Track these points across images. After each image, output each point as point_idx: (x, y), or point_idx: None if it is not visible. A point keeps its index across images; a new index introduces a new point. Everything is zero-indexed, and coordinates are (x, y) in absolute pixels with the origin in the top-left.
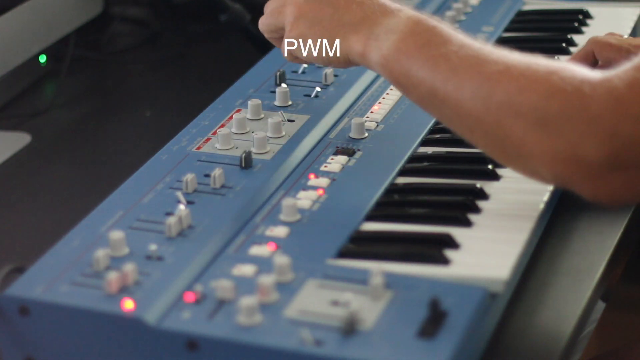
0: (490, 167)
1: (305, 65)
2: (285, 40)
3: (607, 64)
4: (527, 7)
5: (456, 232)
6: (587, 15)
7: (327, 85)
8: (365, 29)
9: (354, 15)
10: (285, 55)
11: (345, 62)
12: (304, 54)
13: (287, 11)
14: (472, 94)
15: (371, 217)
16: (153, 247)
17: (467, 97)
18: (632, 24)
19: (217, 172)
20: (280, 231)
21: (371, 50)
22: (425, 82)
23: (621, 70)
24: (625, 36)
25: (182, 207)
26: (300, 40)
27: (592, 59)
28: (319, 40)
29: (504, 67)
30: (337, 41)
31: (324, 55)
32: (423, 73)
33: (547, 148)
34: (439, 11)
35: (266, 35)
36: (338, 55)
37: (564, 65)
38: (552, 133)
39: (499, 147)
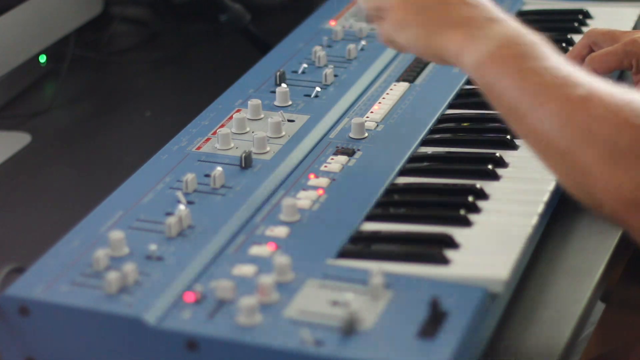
0: (490, 167)
1: (305, 65)
2: (386, 21)
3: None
4: (527, 7)
5: (456, 232)
6: (587, 15)
7: (327, 85)
8: (466, 29)
9: (461, 13)
10: (381, 37)
11: (438, 58)
12: (401, 39)
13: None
14: (550, 116)
15: (371, 217)
16: (153, 247)
17: (546, 117)
18: (632, 24)
19: (217, 172)
20: (280, 231)
21: (467, 52)
22: (509, 94)
23: None
24: None
25: (182, 207)
26: (401, 25)
27: (588, 52)
28: (419, 29)
29: (587, 93)
30: (436, 34)
31: (420, 44)
32: (509, 84)
33: (612, 183)
34: None
35: (367, 11)
36: (433, 48)
37: None
38: (619, 168)
39: (567, 174)
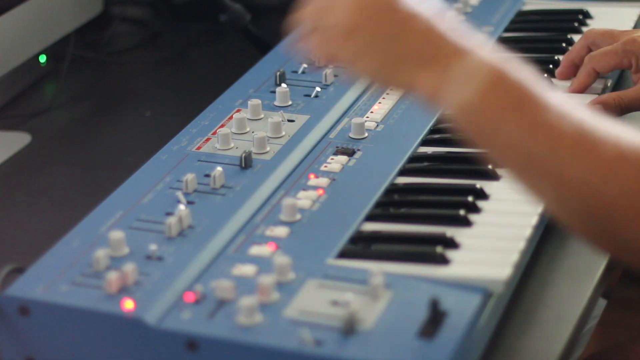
0: (490, 167)
1: (305, 65)
2: (338, 53)
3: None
4: (527, 7)
5: (456, 232)
6: (587, 15)
7: (327, 85)
8: (437, 67)
9: (423, 47)
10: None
11: (404, 91)
12: (359, 73)
13: (339, 14)
14: (581, 177)
15: (371, 217)
16: (153, 247)
17: (574, 177)
18: (632, 24)
19: (217, 172)
20: (280, 231)
21: (446, 93)
22: (519, 145)
23: None
24: None
25: (182, 207)
26: (355, 54)
27: (587, 53)
28: (377, 61)
29: (618, 154)
30: (399, 71)
31: (380, 78)
32: (517, 136)
33: None
34: None
35: (304, 26)
36: (397, 84)
37: None
38: None
39: (606, 238)
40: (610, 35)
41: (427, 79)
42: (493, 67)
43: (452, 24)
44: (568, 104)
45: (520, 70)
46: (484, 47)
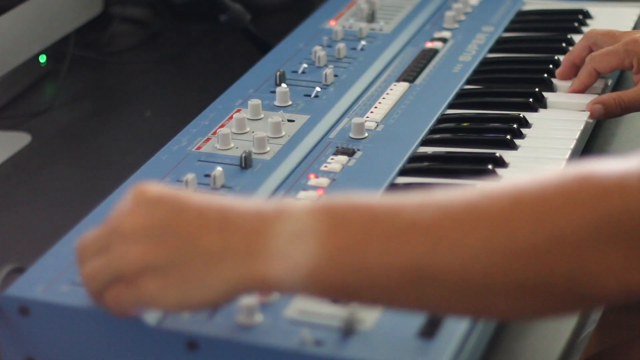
0: (490, 167)
1: (305, 65)
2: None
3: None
4: (527, 7)
5: None
6: (587, 15)
7: (327, 85)
8: (252, 250)
9: (224, 240)
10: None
11: (232, 299)
12: (162, 309)
13: (125, 255)
14: (484, 250)
15: None
16: None
17: (477, 253)
18: (632, 24)
19: (217, 172)
20: None
21: (282, 269)
22: (395, 267)
23: None
24: None
25: None
26: (157, 296)
27: (588, 53)
28: (185, 289)
29: (511, 202)
30: (213, 280)
31: (195, 304)
32: (388, 257)
33: (623, 262)
34: (439, 11)
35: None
36: (217, 296)
37: (587, 168)
38: (623, 244)
39: (542, 298)
40: (611, 36)
41: (250, 270)
42: (316, 211)
43: (234, 200)
44: (415, 195)
45: (342, 195)
46: (279, 203)
